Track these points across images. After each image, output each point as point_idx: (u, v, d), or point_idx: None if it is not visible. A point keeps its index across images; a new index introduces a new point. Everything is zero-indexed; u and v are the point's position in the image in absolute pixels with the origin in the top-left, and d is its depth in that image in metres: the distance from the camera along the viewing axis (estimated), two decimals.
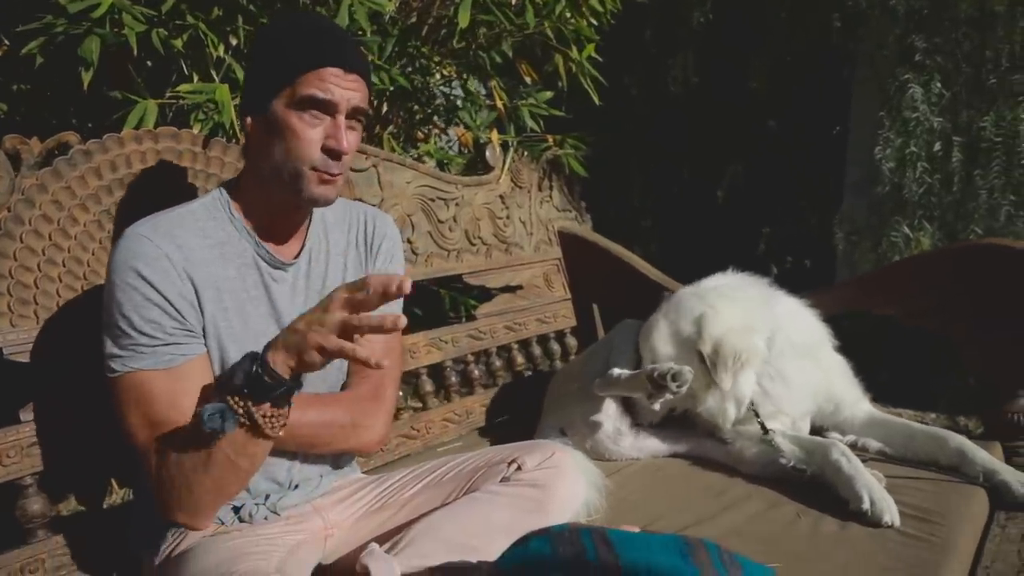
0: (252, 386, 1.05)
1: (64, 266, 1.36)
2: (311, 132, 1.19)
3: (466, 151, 2.87)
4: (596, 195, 2.75)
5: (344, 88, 1.19)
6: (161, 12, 1.76)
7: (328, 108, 1.19)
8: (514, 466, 1.34)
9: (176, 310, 1.15)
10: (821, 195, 3.48)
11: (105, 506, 1.45)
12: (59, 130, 2.16)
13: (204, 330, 1.19)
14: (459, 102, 2.66)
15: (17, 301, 1.29)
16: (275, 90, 1.19)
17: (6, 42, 1.93)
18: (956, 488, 1.52)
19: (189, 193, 1.53)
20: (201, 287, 1.19)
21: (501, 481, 1.32)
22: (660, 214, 4.23)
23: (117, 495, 2.24)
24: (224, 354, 1.21)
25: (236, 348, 1.21)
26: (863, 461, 1.54)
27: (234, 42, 1.96)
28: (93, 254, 1.39)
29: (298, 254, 1.32)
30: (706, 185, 4.03)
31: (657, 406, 1.67)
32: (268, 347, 1.07)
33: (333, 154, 1.20)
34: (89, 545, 1.32)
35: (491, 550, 1.16)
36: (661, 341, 1.72)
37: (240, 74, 1.92)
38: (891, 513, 1.38)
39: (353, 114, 1.22)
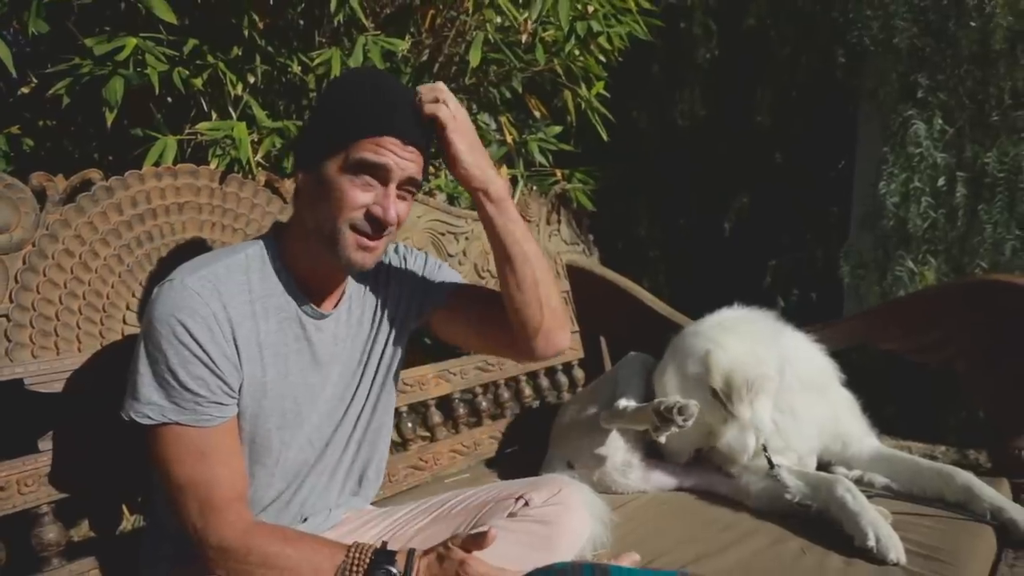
0: None
1: (84, 299, 1.39)
2: (360, 195, 1.18)
3: None
4: (604, 227, 2.79)
5: (400, 157, 1.19)
6: (183, 52, 1.82)
7: (380, 174, 1.18)
8: (521, 502, 1.36)
9: (220, 369, 1.16)
10: (827, 228, 3.51)
11: (117, 533, 1.47)
12: (82, 164, 2.23)
13: (241, 387, 1.20)
14: None
15: (38, 333, 1.33)
16: (330, 151, 1.19)
17: (34, 80, 1.99)
18: (963, 526, 1.52)
19: (207, 227, 1.58)
20: (242, 346, 1.19)
21: (508, 516, 1.34)
22: (667, 246, 4.26)
23: (128, 522, 2.26)
24: (259, 408, 1.23)
25: (272, 402, 1.24)
26: (869, 497, 1.54)
27: (252, 80, 2.02)
28: (112, 287, 1.43)
29: (337, 303, 1.34)
30: (713, 218, 4.07)
31: (663, 439, 1.68)
32: (411, 568, 1.12)
33: (376, 222, 1.19)
34: (102, 573, 1.34)
35: None
36: (671, 385, 1.73)
37: (257, 111, 1.98)
38: (897, 551, 1.38)
39: (406, 184, 1.22)
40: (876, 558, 1.39)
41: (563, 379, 2.39)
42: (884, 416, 1.93)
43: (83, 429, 1.35)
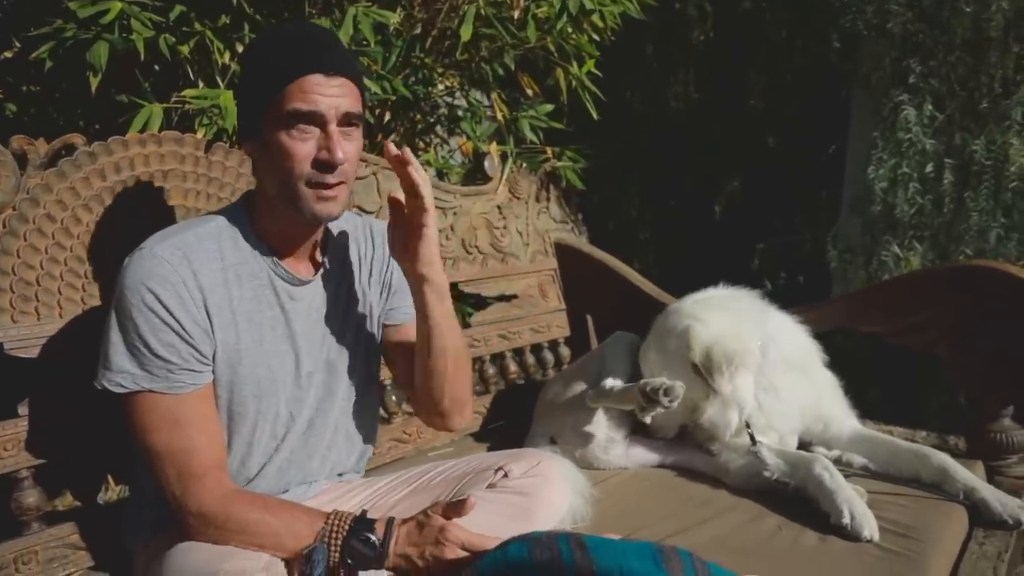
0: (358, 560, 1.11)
1: (66, 264, 1.38)
2: (301, 147, 1.16)
3: (467, 161, 2.91)
4: (595, 207, 2.79)
5: (328, 96, 1.15)
6: (169, 19, 1.80)
7: (315, 119, 1.15)
8: (500, 473, 1.37)
9: (191, 336, 1.16)
10: (817, 212, 3.52)
11: (100, 501, 1.48)
12: (66, 131, 2.20)
13: (214, 355, 1.20)
14: (461, 112, 2.70)
15: (19, 298, 1.32)
16: (261, 111, 1.17)
17: (16, 44, 1.97)
18: (936, 505, 1.54)
19: (191, 195, 1.57)
20: (214, 312, 1.19)
21: (488, 487, 1.35)
22: (657, 227, 4.27)
23: (113, 492, 2.27)
24: (234, 375, 1.22)
25: (247, 369, 1.23)
26: (846, 476, 1.56)
27: (240, 48, 2.00)
28: (95, 253, 1.42)
29: (315, 273, 1.33)
30: (704, 200, 4.07)
31: (649, 419, 1.69)
32: (390, 535, 1.13)
33: (325, 166, 1.17)
34: (82, 538, 1.34)
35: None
36: (655, 361, 1.74)
37: None
38: (870, 528, 1.40)
39: (346, 120, 1.18)
40: (850, 535, 1.41)
41: (549, 356, 2.40)
42: (867, 400, 1.95)
43: (63, 395, 1.34)
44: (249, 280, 1.25)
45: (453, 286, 2.20)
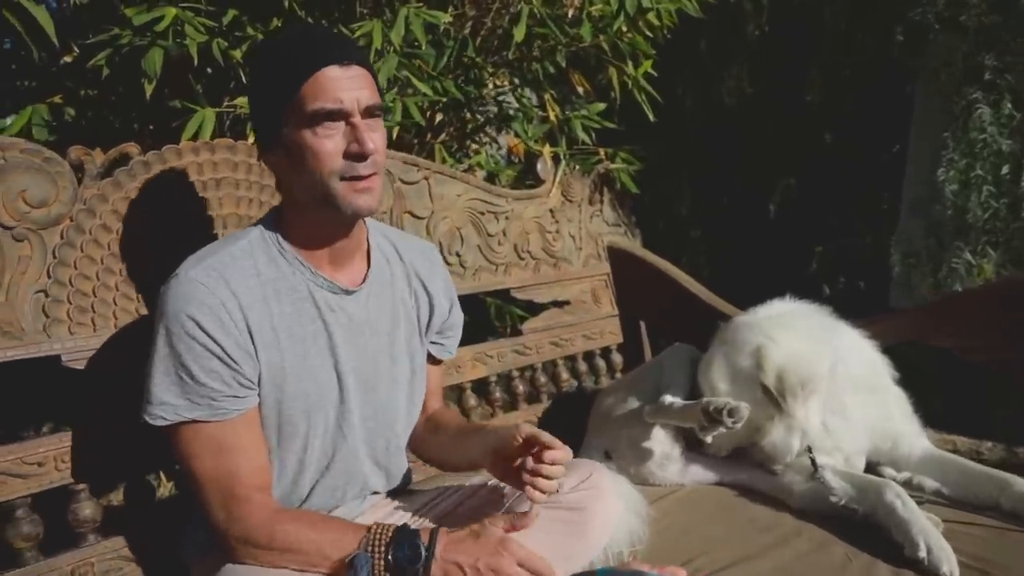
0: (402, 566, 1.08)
1: (121, 275, 1.38)
2: (329, 144, 1.13)
3: (516, 160, 2.86)
4: (645, 205, 2.72)
5: (348, 88, 1.12)
6: (222, 23, 1.78)
7: (339, 116, 1.12)
8: None
9: (235, 360, 1.13)
10: (877, 214, 3.37)
11: (153, 510, 1.47)
12: (122, 134, 2.23)
13: (260, 376, 1.18)
14: (512, 112, 2.65)
15: (76, 309, 1.32)
16: (280, 116, 1.14)
17: (76, 49, 1.98)
18: (1019, 538, 1.44)
19: (244, 203, 1.56)
20: (256, 332, 1.16)
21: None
22: (710, 226, 4.16)
23: (164, 488, 2.29)
24: (281, 394, 1.20)
25: (293, 386, 1.21)
26: (918, 502, 1.48)
27: None
28: (149, 263, 1.41)
29: (361, 283, 1.29)
30: (758, 198, 3.95)
31: (710, 439, 1.63)
32: (435, 541, 1.10)
33: (358, 157, 1.13)
34: (137, 550, 1.34)
35: None
36: (719, 377, 1.67)
37: None
38: (950, 564, 1.31)
39: (368, 112, 1.15)
40: (927, 570, 1.32)
41: (601, 363, 2.34)
42: (931, 410, 1.85)
43: (117, 406, 1.33)
44: (288, 295, 1.21)
45: (505, 292, 2.17)
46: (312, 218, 1.21)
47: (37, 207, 1.29)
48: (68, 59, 2.08)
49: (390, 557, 1.08)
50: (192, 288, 1.13)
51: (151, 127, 2.24)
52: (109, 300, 1.36)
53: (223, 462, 1.13)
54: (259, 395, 1.19)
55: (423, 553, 1.08)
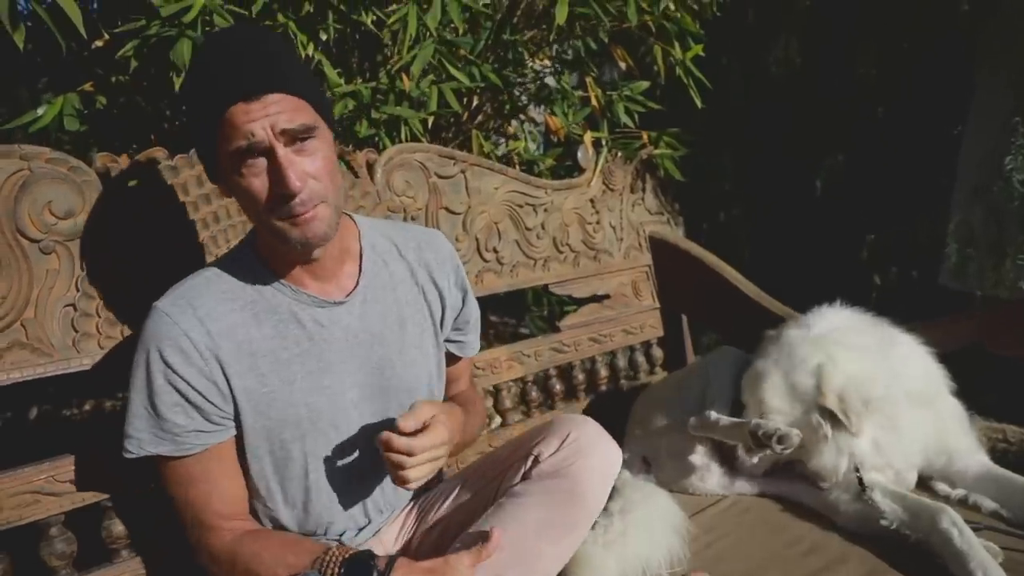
0: None
1: (150, 284, 1.34)
2: (256, 183, 1.05)
3: (555, 139, 2.76)
4: (687, 185, 2.59)
5: (258, 119, 1.02)
6: (252, 11, 1.72)
7: (256, 151, 1.03)
8: (531, 459, 1.24)
9: (199, 392, 1.11)
10: (933, 199, 3.18)
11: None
12: (153, 122, 2.19)
13: (237, 407, 1.14)
14: (552, 92, 2.55)
15: (105, 322, 1.30)
16: (210, 156, 1.09)
17: (106, 34, 1.93)
18: None
19: None
20: (229, 362, 1.12)
21: (522, 480, 1.24)
22: (754, 205, 4.01)
23: None
24: (268, 421, 1.16)
25: (281, 412, 1.16)
26: (976, 529, 1.40)
27: (324, 37, 1.91)
28: (178, 271, 1.37)
29: (352, 291, 1.23)
30: (805, 177, 3.78)
31: (755, 460, 1.57)
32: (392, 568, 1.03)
33: (284, 198, 1.05)
34: (168, 565, 1.33)
35: (536, 551, 1.15)
36: (774, 394, 1.59)
37: (328, 71, 1.88)
38: None
39: (291, 137, 1.04)
40: None
41: (641, 359, 2.28)
42: (985, 401, 1.76)
43: None
44: (268, 317, 1.16)
45: (540, 289, 2.10)
46: (274, 243, 1.14)
47: (64, 218, 1.26)
48: (99, 43, 2.03)
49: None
50: (159, 320, 1.11)
51: (184, 109, 2.19)
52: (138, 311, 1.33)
53: (192, 492, 1.14)
54: (241, 424, 1.15)
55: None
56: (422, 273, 1.33)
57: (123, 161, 1.34)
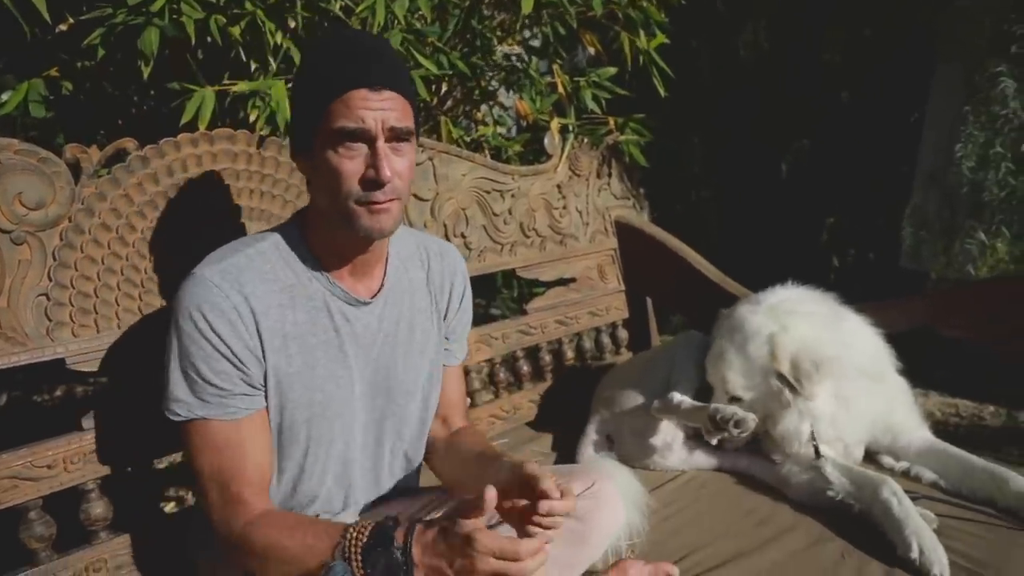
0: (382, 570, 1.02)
1: (122, 274, 1.38)
2: (349, 165, 1.13)
3: (523, 123, 2.79)
4: (654, 168, 2.64)
5: (374, 110, 1.11)
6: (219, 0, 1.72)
7: (361, 136, 1.12)
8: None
9: (242, 363, 1.15)
10: (890, 184, 3.28)
11: (162, 508, 1.51)
12: (121, 108, 2.18)
13: (266, 382, 1.18)
14: (521, 77, 2.57)
15: (78, 311, 1.32)
16: (311, 128, 1.14)
17: (71, 19, 1.92)
18: (1013, 537, 1.45)
19: (245, 194, 1.54)
20: (266, 337, 1.17)
21: None
22: (720, 189, 4.08)
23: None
24: (285, 400, 1.21)
25: (299, 394, 1.21)
26: (914, 498, 1.49)
27: (292, 25, 1.92)
28: (150, 260, 1.41)
29: (376, 293, 1.29)
30: (770, 161, 3.86)
31: (714, 441, 1.65)
32: (411, 544, 1.03)
33: (373, 184, 1.13)
34: (148, 547, 1.38)
35: None
36: (731, 369, 1.67)
37: (297, 58, 1.89)
38: (941, 565, 1.33)
39: (394, 135, 1.14)
40: (918, 571, 1.35)
41: (607, 340, 2.35)
42: (936, 377, 1.84)
43: (124, 406, 1.35)
44: (304, 303, 1.22)
45: (510, 272, 2.15)
46: (333, 228, 1.20)
47: (34, 209, 1.28)
48: (64, 27, 2.02)
49: (368, 560, 1.03)
50: (206, 289, 1.13)
51: (151, 93, 2.19)
52: (111, 300, 1.36)
53: (224, 459, 1.14)
54: (265, 399, 1.20)
55: (400, 554, 1.02)
56: (436, 283, 1.41)
57: (93, 152, 1.36)
